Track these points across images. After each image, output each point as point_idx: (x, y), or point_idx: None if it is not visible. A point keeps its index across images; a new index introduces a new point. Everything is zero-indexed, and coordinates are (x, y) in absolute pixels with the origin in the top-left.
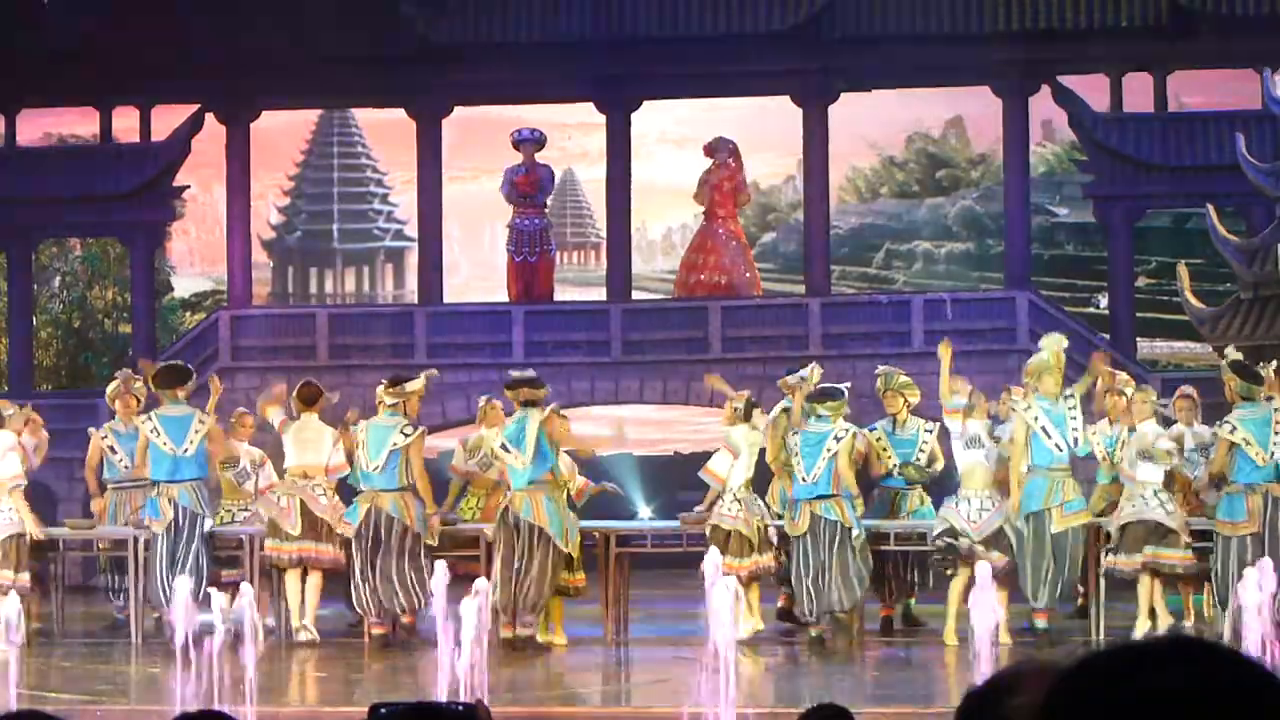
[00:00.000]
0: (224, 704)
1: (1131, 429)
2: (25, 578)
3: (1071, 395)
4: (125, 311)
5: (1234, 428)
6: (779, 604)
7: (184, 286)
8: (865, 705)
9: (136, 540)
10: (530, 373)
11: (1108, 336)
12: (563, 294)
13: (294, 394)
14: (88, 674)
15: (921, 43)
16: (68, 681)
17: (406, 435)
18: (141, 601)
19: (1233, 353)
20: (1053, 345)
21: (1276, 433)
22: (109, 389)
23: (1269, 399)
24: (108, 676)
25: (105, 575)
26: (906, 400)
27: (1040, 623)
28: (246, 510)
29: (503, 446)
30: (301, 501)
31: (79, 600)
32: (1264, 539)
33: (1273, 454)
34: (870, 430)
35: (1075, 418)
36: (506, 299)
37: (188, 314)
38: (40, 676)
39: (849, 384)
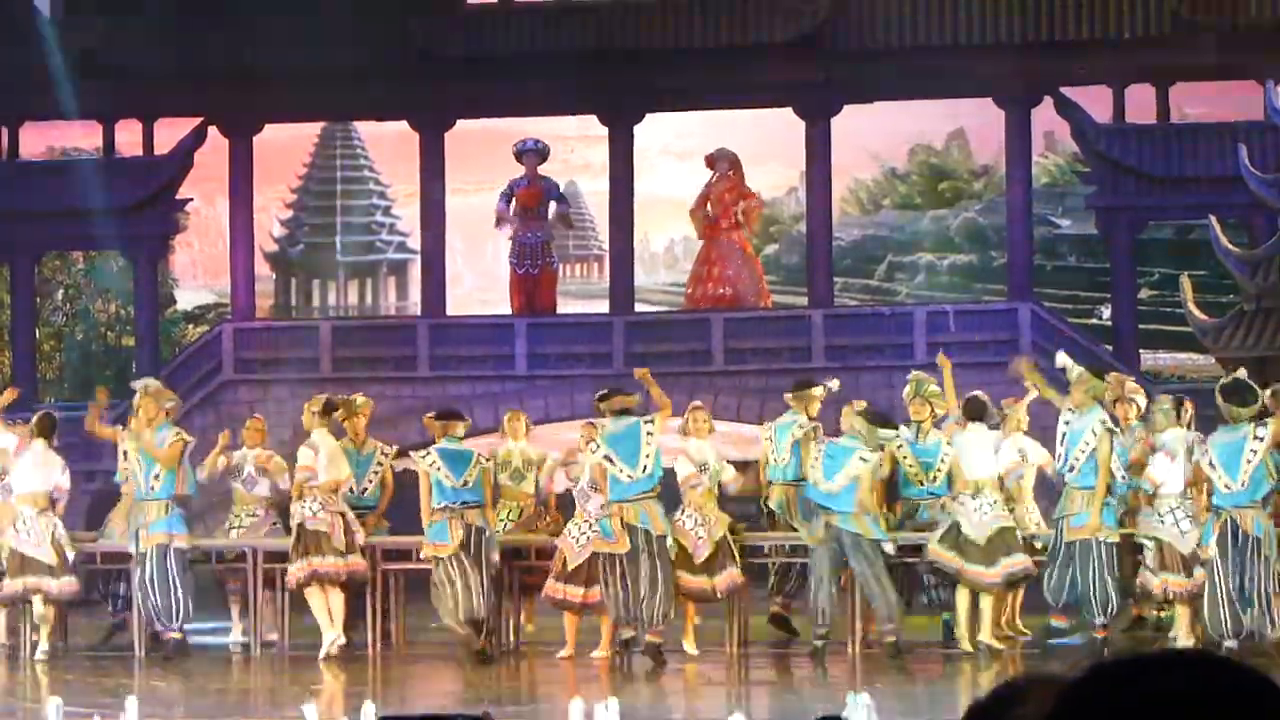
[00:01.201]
0: (229, 716)
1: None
2: (72, 583)
3: (1104, 422)
4: (128, 324)
5: (1205, 451)
6: (772, 611)
7: (187, 299)
8: (870, 716)
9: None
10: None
11: (1110, 348)
12: (565, 306)
13: (322, 410)
14: (89, 687)
15: (924, 54)
16: (72, 694)
17: (486, 459)
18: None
19: (1240, 374)
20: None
21: (1249, 460)
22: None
23: (1259, 423)
24: (111, 689)
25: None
26: (933, 410)
27: (1056, 623)
28: (255, 515)
29: (607, 459)
30: (343, 516)
31: (80, 612)
32: (1229, 564)
33: (1243, 481)
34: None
35: (1089, 442)
36: (509, 311)
37: (190, 327)
38: (44, 689)
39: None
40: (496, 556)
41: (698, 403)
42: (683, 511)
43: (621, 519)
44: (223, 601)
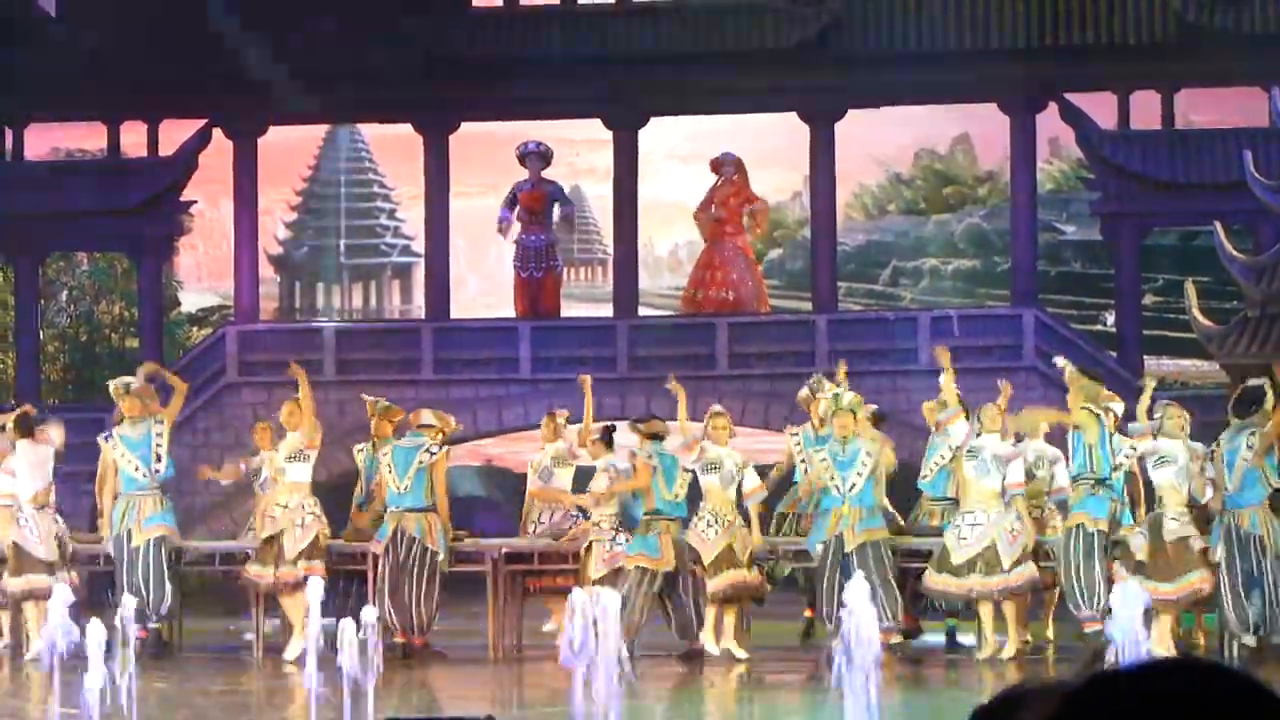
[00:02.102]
0: (232, 717)
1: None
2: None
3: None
4: (132, 326)
5: (1215, 445)
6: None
7: (191, 301)
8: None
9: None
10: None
11: (1114, 354)
12: (569, 310)
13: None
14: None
15: (929, 60)
16: (73, 695)
17: (432, 454)
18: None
19: (1262, 383)
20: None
21: (1238, 465)
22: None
23: (1252, 431)
24: (112, 690)
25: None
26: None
27: (1086, 630)
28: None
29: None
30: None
31: (85, 614)
32: (1235, 562)
33: (1235, 484)
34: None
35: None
36: (513, 314)
37: (194, 329)
38: (45, 690)
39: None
40: (435, 558)
41: (718, 407)
42: (699, 516)
43: (671, 535)
44: (221, 602)
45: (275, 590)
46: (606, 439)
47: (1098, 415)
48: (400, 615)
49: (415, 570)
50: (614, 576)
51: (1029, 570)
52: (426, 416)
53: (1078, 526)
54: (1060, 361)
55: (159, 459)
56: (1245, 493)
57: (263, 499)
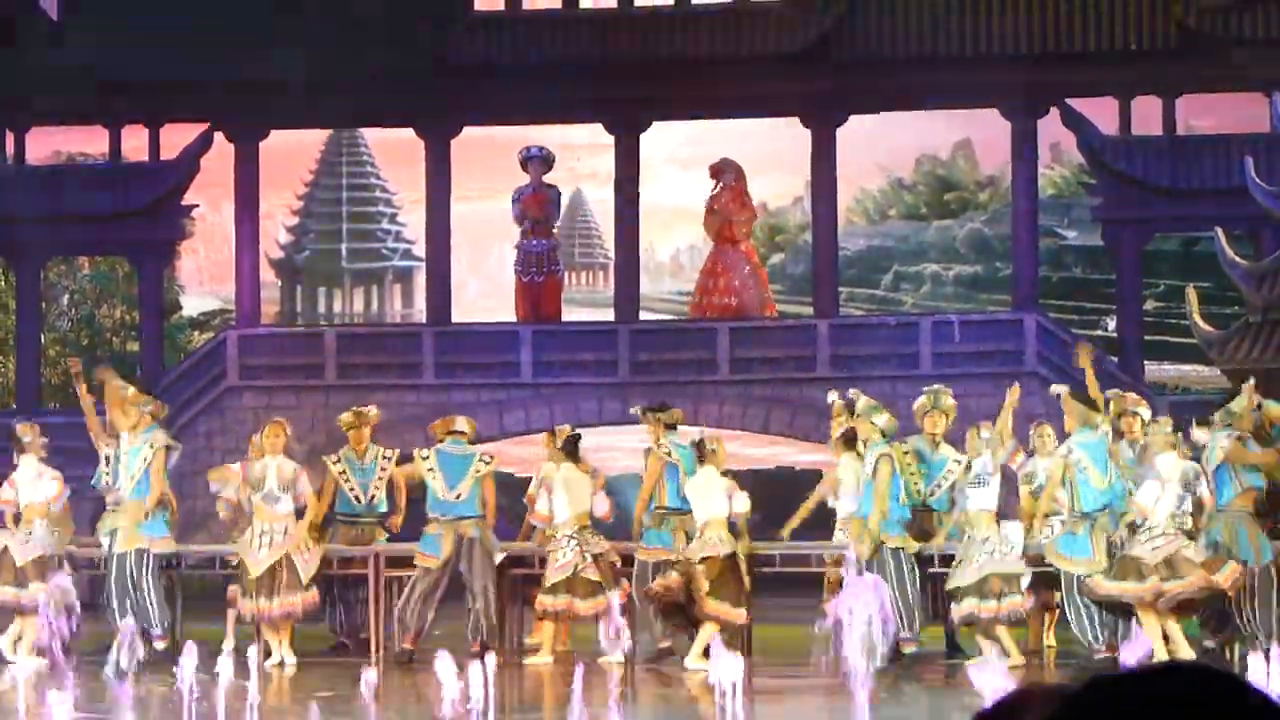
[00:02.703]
0: None
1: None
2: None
3: (1064, 453)
4: (133, 330)
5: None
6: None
7: (192, 305)
8: None
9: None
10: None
11: (1116, 359)
12: (571, 314)
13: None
14: (92, 693)
15: (930, 65)
16: (77, 701)
17: (486, 464)
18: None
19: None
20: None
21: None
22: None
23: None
24: (114, 695)
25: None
26: (948, 422)
27: (1095, 658)
28: (279, 533)
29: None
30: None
31: (88, 618)
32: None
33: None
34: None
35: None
36: (514, 318)
37: (196, 333)
38: (44, 694)
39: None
40: (495, 560)
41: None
42: (700, 536)
43: (684, 531)
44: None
45: (275, 619)
46: (569, 449)
47: (1066, 454)
48: (424, 620)
49: (481, 574)
50: (566, 584)
51: (1012, 601)
52: (461, 423)
53: (1064, 572)
54: (1055, 389)
55: (133, 478)
56: (1221, 496)
57: (249, 523)
